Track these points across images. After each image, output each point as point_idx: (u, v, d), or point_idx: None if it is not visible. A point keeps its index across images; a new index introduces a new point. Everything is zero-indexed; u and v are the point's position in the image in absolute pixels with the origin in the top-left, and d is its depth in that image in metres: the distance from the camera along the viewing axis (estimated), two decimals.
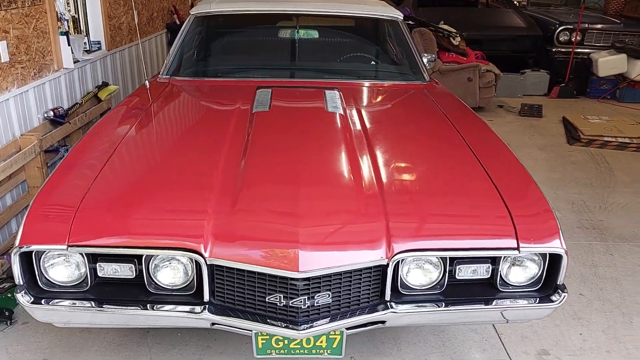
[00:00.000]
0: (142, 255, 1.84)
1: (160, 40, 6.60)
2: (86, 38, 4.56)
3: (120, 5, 5.21)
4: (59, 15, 4.11)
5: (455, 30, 6.88)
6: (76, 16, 4.52)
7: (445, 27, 6.87)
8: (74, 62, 4.15)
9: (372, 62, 3.62)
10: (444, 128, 2.66)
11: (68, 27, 4.35)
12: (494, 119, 6.51)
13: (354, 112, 2.73)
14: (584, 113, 6.69)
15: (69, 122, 3.87)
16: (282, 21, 3.65)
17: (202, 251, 1.79)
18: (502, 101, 7.26)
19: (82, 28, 4.67)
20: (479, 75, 6.62)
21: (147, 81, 3.27)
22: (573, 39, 7.51)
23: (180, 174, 2.12)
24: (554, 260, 1.95)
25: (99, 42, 4.79)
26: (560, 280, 1.96)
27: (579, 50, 7.54)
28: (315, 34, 3.62)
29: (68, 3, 4.39)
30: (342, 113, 2.69)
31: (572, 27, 7.56)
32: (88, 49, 4.58)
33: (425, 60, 3.74)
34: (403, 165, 2.29)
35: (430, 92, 3.20)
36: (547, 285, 1.99)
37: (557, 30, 7.62)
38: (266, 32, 3.80)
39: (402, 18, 3.66)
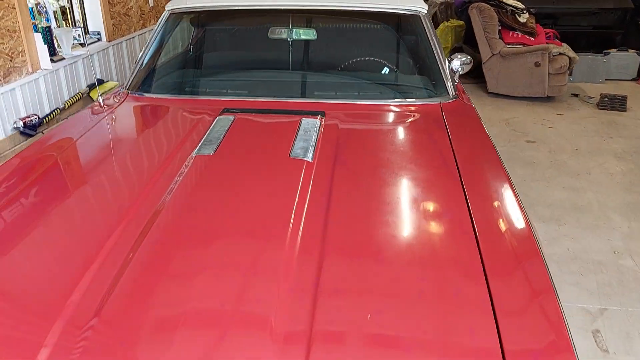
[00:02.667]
0: None
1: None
2: (79, 30, 4.07)
3: None
4: (39, 8, 3.63)
5: (522, 6, 5.84)
6: (67, 6, 4.03)
7: (511, 1, 5.84)
8: (57, 61, 3.68)
9: (379, 74, 2.83)
10: (447, 190, 1.89)
11: (56, 19, 3.87)
12: (565, 112, 5.51)
13: (328, 158, 2.02)
14: None
15: (42, 133, 3.42)
16: (274, 20, 2.94)
17: None
18: (579, 88, 6.18)
19: (77, 19, 4.19)
20: (548, 59, 5.59)
21: (100, 98, 2.71)
22: None
23: (36, 276, 1.51)
24: None
25: (98, 33, 4.30)
26: None
27: None
28: (311, 35, 2.89)
29: None
30: (310, 160, 1.99)
31: None
32: (83, 42, 4.10)
33: (456, 64, 2.93)
34: (364, 258, 1.59)
35: (449, 118, 2.42)
36: None
37: None
38: (253, 34, 3.11)
39: (425, 11, 2.85)
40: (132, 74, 2.83)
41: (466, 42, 6.59)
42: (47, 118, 3.49)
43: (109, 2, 4.35)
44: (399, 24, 2.92)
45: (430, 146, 2.20)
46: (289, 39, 2.88)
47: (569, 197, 3.82)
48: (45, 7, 3.75)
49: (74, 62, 3.90)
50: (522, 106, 5.67)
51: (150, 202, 1.77)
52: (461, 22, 6.64)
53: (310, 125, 2.28)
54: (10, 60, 3.28)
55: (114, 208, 1.80)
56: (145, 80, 2.76)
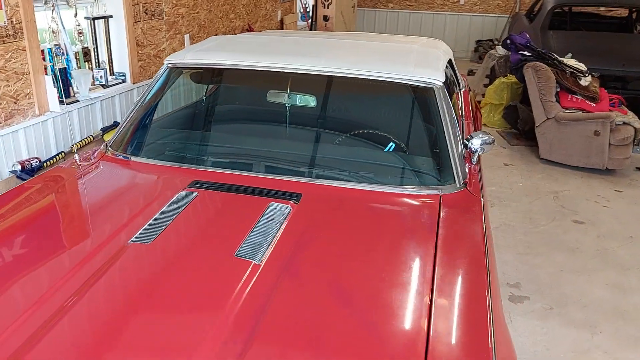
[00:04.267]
0: None
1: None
2: (102, 71, 4.00)
3: (162, 31, 4.61)
4: (56, 50, 3.57)
5: (585, 68, 5.35)
6: (90, 47, 3.97)
7: (572, 62, 5.36)
8: (71, 103, 3.59)
9: (376, 153, 2.48)
10: (410, 316, 1.53)
11: (77, 60, 3.81)
12: (625, 189, 4.92)
13: (281, 261, 1.70)
14: None
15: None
16: (271, 83, 2.68)
17: None
18: None
19: (103, 59, 4.12)
20: (610, 128, 5.05)
21: (77, 155, 2.54)
22: None
23: None
24: None
25: (123, 74, 4.22)
26: None
27: None
28: (309, 103, 2.61)
29: (80, 33, 3.84)
30: (258, 262, 1.69)
31: None
32: (104, 82, 4.02)
33: (476, 143, 2.55)
34: None
35: (445, 214, 2.05)
36: None
37: None
38: (248, 98, 2.87)
39: (440, 83, 2.51)
40: (117, 131, 2.65)
41: (523, 100, 6.13)
42: (49, 162, 3.39)
43: (137, 44, 4.28)
44: (408, 97, 2.59)
45: (409, 252, 1.84)
46: (285, 105, 2.62)
47: (612, 298, 3.30)
48: (66, 49, 3.70)
49: (91, 104, 3.81)
50: (576, 178, 5.14)
51: (63, 292, 1.54)
52: None
53: (277, 213, 1.98)
54: (15, 103, 3.21)
55: (20, 295, 1.58)
56: (126, 140, 2.57)
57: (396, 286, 1.64)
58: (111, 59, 4.19)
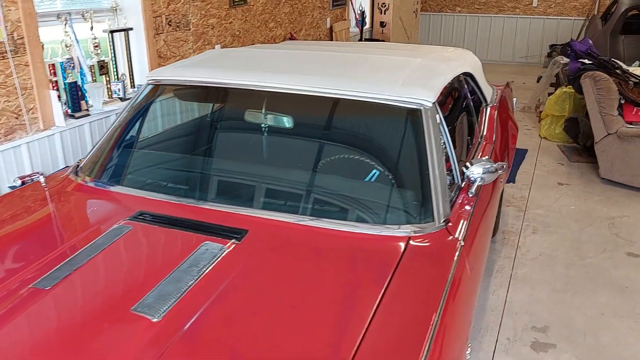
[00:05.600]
0: None
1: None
2: (120, 84, 3.95)
3: (189, 42, 4.52)
4: (66, 64, 3.54)
5: None
6: (108, 58, 3.94)
7: (639, 71, 4.75)
8: (80, 117, 3.56)
9: (343, 185, 2.16)
10: None
11: (92, 73, 3.78)
12: None
13: (184, 319, 1.46)
14: None
15: None
16: (248, 102, 2.45)
17: None
18: None
19: (122, 72, 4.08)
20: None
21: (41, 177, 2.44)
22: None
23: None
24: None
25: None
26: None
27: None
28: (285, 124, 2.35)
29: (96, 46, 3.81)
30: (155, 320, 1.46)
31: None
32: (122, 95, 3.97)
33: (476, 172, 2.20)
34: None
35: (408, 263, 1.73)
36: None
37: None
38: (220, 119, 2.65)
39: (430, 104, 2.18)
40: (88, 153, 2.53)
41: (587, 113, 5.54)
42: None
43: (159, 56, 4.21)
44: (390, 119, 2.28)
45: (338, 315, 1.53)
46: (255, 128, 2.39)
47: None
48: (79, 62, 3.67)
49: (105, 117, 3.77)
50: (639, 202, 4.53)
51: None
52: None
53: (207, 255, 1.75)
54: (16, 118, 3.20)
55: None
56: (93, 164, 2.44)
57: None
58: (132, 72, 4.14)
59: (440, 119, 2.23)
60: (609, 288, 3.35)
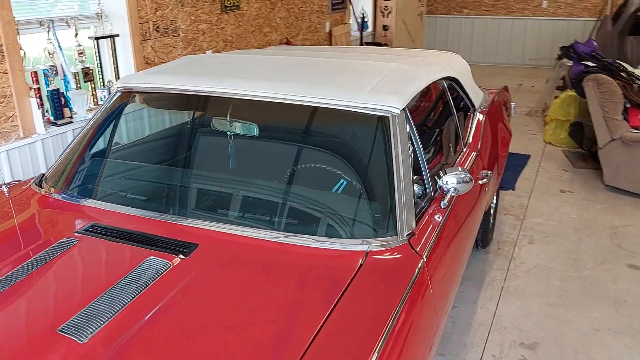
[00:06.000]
0: None
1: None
2: (106, 91, 3.91)
3: (178, 47, 4.46)
4: (48, 71, 3.50)
5: None
6: (95, 66, 3.89)
7: None
8: (63, 124, 3.51)
9: (302, 196, 2.04)
10: None
11: (76, 80, 3.73)
12: None
13: (114, 340, 1.38)
14: None
15: None
16: (211, 109, 2.36)
17: None
18: None
19: (108, 78, 4.03)
20: None
21: (5, 187, 2.38)
22: None
23: None
24: None
25: None
26: None
27: None
28: (251, 132, 2.25)
29: (81, 53, 3.76)
30: (81, 342, 1.38)
31: None
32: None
33: (449, 181, 2.08)
34: None
35: (362, 279, 1.63)
36: None
37: None
38: (188, 126, 2.57)
39: (398, 111, 2.07)
40: (54, 163, 2.47)
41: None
42: None
43: (146, 62, 4.16)
44: (355, 127, 2.17)
45: (278, 337, 1.43)
46: (218, 137, 2.30)
47: None
48: (63, 69, 3.63)
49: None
50: None
51: None
52: None
53: (150, 271, 1.66)
54: None
55: None
56: (57, 174, 2.37)
57: None
58: (118, 78, 4.09)
59: (411, 126, 2.12)
60: (606, 302, 3.20)
